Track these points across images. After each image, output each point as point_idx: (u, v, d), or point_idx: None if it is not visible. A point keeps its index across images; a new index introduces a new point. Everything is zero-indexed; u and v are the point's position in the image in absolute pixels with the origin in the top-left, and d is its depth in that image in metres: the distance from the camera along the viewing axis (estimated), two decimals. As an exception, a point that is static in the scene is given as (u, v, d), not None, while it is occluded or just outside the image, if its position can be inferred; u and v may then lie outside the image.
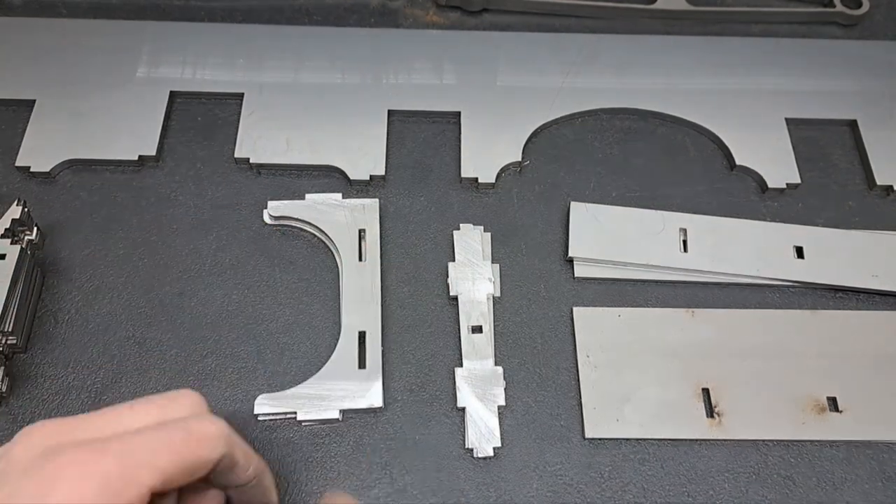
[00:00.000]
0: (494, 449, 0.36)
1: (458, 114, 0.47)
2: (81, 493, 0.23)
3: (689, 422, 0.37)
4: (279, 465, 0.36)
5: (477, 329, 0.39)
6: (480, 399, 0.37)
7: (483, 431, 0.36)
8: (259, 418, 0.37)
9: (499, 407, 0.37)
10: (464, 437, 0.37)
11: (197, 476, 0.26)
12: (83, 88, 0.46)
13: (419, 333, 0.40)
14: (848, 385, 0.38)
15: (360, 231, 0.41)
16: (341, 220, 0.42)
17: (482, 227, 0.43)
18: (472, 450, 0.36)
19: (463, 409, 0.37)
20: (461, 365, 0.38)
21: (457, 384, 0.37)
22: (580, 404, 0.38)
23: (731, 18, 0.53)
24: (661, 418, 0.37)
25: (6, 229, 0.38)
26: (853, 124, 0.48)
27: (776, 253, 0.42)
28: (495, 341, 0.40)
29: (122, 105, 0.46)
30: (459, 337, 0.39)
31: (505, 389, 0.38)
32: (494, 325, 0.40)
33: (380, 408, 0.37)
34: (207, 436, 0.26)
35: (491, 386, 0.37)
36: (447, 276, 0.40)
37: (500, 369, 0.38)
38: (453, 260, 0.41)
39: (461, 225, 0.42)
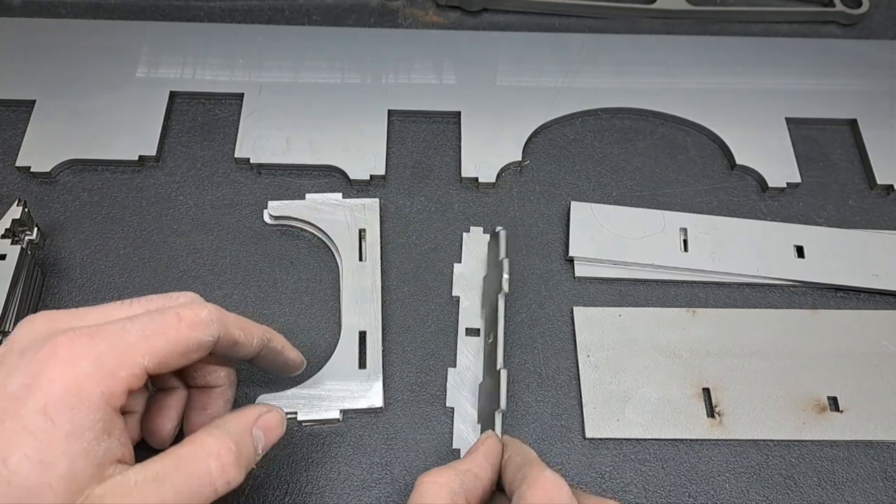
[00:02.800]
0: None
1: (458, 114, 0.47)
2: (75, 372, 0.24)
3: (689, 422, 0.37)
4: (279, 465, 0.36)
5: (473, 332, 0.39)
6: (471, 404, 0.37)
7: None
8: (259, 418, 0.37)
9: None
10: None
11: (194, 358, 0.27)
12: (83, 88, 0.46)
13: (419, 333, 0.40)
14: (848, 385, 0.38)
15: (360, 231, 0.41)
16: (341, 219, 0.42)
17: (504, 231, 0.42)
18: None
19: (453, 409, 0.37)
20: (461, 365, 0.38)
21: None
22: (580, 404, 0.38)
23: (731, 18, 0.53)
24: (662, 418, 0.37)
25: (6, 229, 0.38)
26: (853, 123, 0.48)
27: (776, 252, 0.42)
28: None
29: (122, 105, 0.46)
30: (463, 338, 0.39)
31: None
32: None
33: (380, 408, 0.37)
34: (199, 320, 0.27)
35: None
36: (451, 276, 0.40)
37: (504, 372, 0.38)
38: (455, 261, 0.41)
39: (471, 228, 0.42)
